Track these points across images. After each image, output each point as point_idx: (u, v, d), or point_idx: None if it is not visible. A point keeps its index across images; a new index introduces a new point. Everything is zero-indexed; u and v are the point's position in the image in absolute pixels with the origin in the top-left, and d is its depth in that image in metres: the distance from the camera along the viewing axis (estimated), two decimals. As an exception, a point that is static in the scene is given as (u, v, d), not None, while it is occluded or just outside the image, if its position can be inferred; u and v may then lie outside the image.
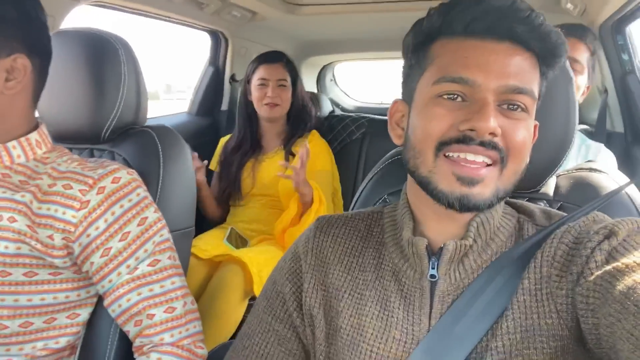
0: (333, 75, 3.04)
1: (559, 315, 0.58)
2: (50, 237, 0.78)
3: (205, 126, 2.23)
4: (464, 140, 0.59)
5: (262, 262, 1.58)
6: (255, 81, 1.87)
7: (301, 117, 1.95)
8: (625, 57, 1.72)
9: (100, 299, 0.86)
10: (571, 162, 1.30)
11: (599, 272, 0.55)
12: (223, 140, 2.02)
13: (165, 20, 1.83)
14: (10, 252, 0.76)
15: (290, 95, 1.90)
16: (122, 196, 0.82)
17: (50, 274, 0.80)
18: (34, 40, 0.80)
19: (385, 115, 0.72)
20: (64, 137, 0.99)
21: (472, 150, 0.59)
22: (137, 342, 0.82)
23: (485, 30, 0.59)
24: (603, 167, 0.84)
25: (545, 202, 0.81)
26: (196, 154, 1.78)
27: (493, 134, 0.58)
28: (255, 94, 1.87)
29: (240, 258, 1.56)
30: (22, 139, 0.82)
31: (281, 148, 1.91)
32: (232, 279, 1.54)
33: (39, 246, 0.77)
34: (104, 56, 0.99)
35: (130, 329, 0.82)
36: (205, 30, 2.13)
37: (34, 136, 0.84)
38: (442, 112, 0.60)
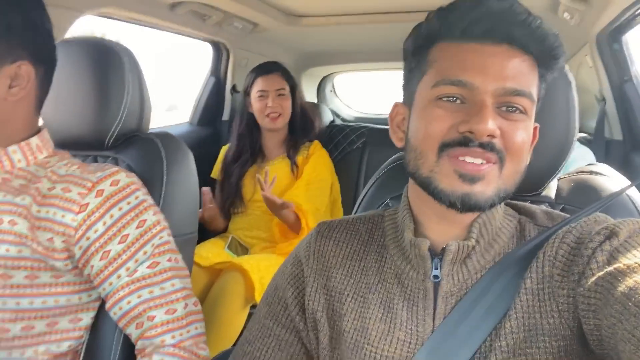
0: (333, 86, 3.06)
1: (561, 315, 0.59)
2: (51, 240, 0.78)
3: (207, 136, 2.24)
4: (464, 142, 0.59)
5: (263, 269, 1.58)
6: (254, 93, 1.89)
7: (303, 125, 1.97)
8: (622, 65, 1.74)
9: (103, 303, 0.86)
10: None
11: (600, 273, 0.55)
12: (224, 149, 2.03)
13: (168, 31, 1.85)
14: (11, 255, 0.76)
15: (291, 103, 1.91)
16: (121, 199, 0.82)
17: (51, 277, 0.80)
18: (39, 48, 0.81)
19: (385, 125, 0.73)
20: (68, 144, 1.00)
21: (472, 153, 0.59)
22: (139, 345, 0.82)
23: (483, 34, 0.60)
24: (604, 170, 0.85)
25: (547, 204, 0.82)
26: (208, 191, 1.80)
27: (491, 135, 0.59)
28: (255, 105, 1.88)
29: (241, 265, 1.56)
30: (23, 144, 0.83)
31: (284, 156, 1.93)
32: (233, 286, 1.54)
33: (40, 249, 0.78)
34: (108, 64, 1.00)
35: (132, 332, 0.82)
36: (207, 41, 2.15)
37: (34, 141, 0.84)
38: (441, 114, 0.61)
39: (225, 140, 2.16)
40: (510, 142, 0.60)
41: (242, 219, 1.90)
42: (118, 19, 1.59)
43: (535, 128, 0.67)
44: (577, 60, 1.94)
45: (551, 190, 0.84)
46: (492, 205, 0.62)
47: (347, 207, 2.06)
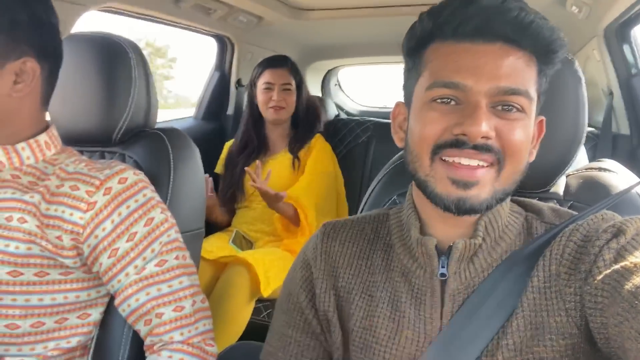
0: (337, 80, 3.06)
1: (568, 314, 0.58)
2: (59, 237, 0.78)
3: (211, 130, 2.24)
4: (457, 144, 0.59)
5: (268, 263, 1.59)
6: (260, 85, 1.89)
7: (307, 120, 1.97)
8: (630, 59, 1.72)
9: (112, 298, 0.86)
10: None
11: (607, 271, 0.55)
12: (228, 145, 2.03)
13: (173, 25, 1.84)
14: (21, 252, 0.77)
15: (295, 98, 1.92)
16: (129, 197, 0.82)
17: (60, 274, 0.80)
18: (44, 44, 0.80)
19: (389, 119, 0.73)
20: (75, 140, 1.00)
21: (466, 154, 0.59)
22: (147, 341, 0.83)
23: (475, 33, 0.59)
24: (613, 166, 0.85)
25: (555, 201, 0.81)
26: (210, 180, 1.80)
27: (486, 137, 0.58)
28: (260, 97, 1.89)
29: (246, 259, 1.57)
30: (31, 141, 0.83)
31: (287, 150, 1.93)
32: (238, 280, 1.54)
33: (49, 247, 0.78)
34: (115, 60, 1.00)
35: (141, 328, 0.83)
36: (212, 36, 2.15)
37: (43, 138, 0.84)
38: (435, 116, 0.60)
39: (230, 135, 2.16)
40: (507, 142, 0.59)
41: (246, 213, 1.91)
42: (123, 13, 1.59)
43: (541, 121, 0.66)
44: (584, 54, 1.92)
45: (559, 186, 0.84)
46: (489, 207, 0.61)
47: (353, 201, 2.06)
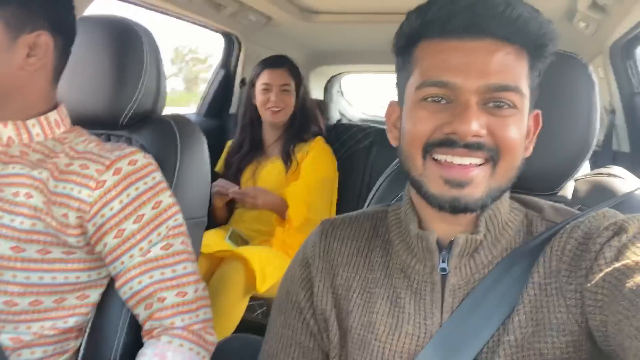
0: (340, 87, 3.07)
1: (569, 310, 0.58)
2: (65, 215, 0.77)
3: (213, 128, 2.24)
4: (447, 143, 0.59)
5: (264, 259, 1.58)
6: (259, 85, 1.89)
7: (305, 123, 1.95)
8: (634, 77, 1.74)
9: (111, 282, 0.85)
10: None
11: (607, 269, 0.55)
12: (229, 144, 2.03)
13: (182, 19, 1.84)
14: (25, 227, 0.76)
15: (294, 100, 1.90)
16: (138, 179, 0.81)
17: (63, 252, 0.79)
18: (59, 18, 0.80)
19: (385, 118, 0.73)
20: (82, 122, 0.99)
21: (457, 153, 0.59)
22: (147, 326, 0.81)
23: (462, 30, 0.59)
24: (621, 173, 0.85)
25: (563, 205, 0.81)
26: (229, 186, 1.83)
27: (477, 135, 0.58)
28: (259, 97, 1.89)
29: (242, 254, 1.56)
30: (42, 118, 0.83)
31: (288, 151, 1.91)
32: (234, 275, 1.53)
33: (54, 224, 0.77)
34: (126, 43, 1.00)
35: (141, 312, 0.81)
36: (220, 33, 2.15)
37: (53, 115, 0.84)
38: (425, 116, 0.60)
39: (231, 133, 2.16)
40: (500, 139, 0.59)
41: (244, 213, 1.90)
42: (133, 2, 1.59)
43: (536, 115, 0.66)
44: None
45: (568, 190, 0.84)
46: (484, 206, 0.61)
47: (351, 207, 2.05)
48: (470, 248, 0.63)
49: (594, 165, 1.84)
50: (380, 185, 0.95)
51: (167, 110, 1.11)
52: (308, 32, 2.18)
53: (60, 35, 0.81)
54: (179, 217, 0.85)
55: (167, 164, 0.98)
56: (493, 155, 0.59)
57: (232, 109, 2.35)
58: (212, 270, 1.62)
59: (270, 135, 1.95)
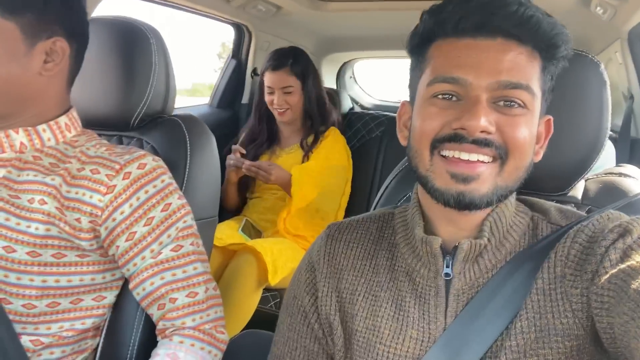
0: (353, 73, 3.04)
1: (575, 315, 0.58)
2: (78, 220, 0.79)
3: (226, 118, 2.25)
4: (455, 138, 0.59)
5: (276, 252, 1.60)
6: (264, 85, 1.89)
7: (318, 115, 1.93)
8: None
9: (126, 282, 0.87)
10: None
11: (613, 271, 0.55)
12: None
13: (191, 12, 1.84)
14: (40, 233, 0.78)
15: (301, 96, 1.87)
16: (148, 182, 0.83)
17: (77, 255, 0.81)
18: (74, 24, 0.82)
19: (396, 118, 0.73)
20: (94, 124, 1.01)
21: (465, 149, 0.59)
22: (160, 325, 0.84)
23: (475, 29, 0.59)
24: (633, 172, 0.84)
25: (573, 205, 0.81)
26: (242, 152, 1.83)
27: (485, 132, 0.58)
28: (265, 97, 1.90)
29: (254, 247, 1.58)
30: (52, 122, 0.84)
31: (298, 145, 1.92)
32: (246, 268, 1.55)
33: (67, 228, 0.79)
34: (135, 44, 1.00)
35: (154, 312, 0.84)
36: (230, 23, 2.14)
37: (63, 120, 0.86)
38: (435, 112, 0.61)
39: (244, 123, 2.17)
40: (509, 138, 0.59)
41: (258, 203, 1.92)
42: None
43: (548, 121, 0.66)
44: (606, 56, 1.89)
45: (578, 190, 0.83)
46: (489, 204, 0.61)
47: (363, 196, 2.05)
48: (474, 253, 0.63)
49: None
50: (388, 185, 0.95)
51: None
52: (317, 20, 2.16)
53: (75, 40, 0.83)
54: (189, 218, 0.87)
55: (178, 164, 0.99)
56: (501, 154, 0.59)
57: (245, 99, 2.35)
58: (226, 263, 1.65)
59: (285, 128, 1.96)
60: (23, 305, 0.79)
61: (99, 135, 0.93)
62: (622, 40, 1.70)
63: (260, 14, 2.00)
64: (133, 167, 0.82)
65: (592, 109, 0.77)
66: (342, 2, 1.94)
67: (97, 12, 1.36)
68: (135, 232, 0.81)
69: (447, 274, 0.64)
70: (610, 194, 0.81)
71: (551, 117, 0.66)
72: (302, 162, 1.87)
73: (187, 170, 1.00)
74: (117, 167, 0.81)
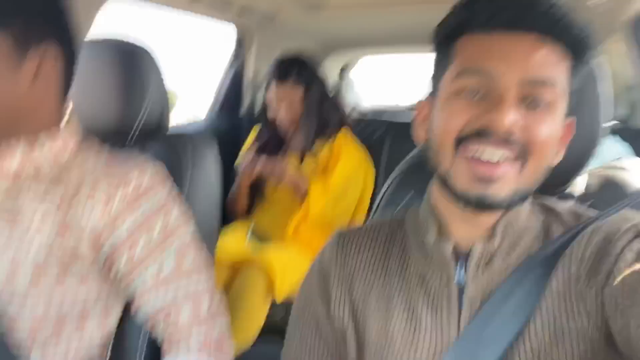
0: (352, 76, 3.04)
1: (589, 317, 0.57)
2: (77, 242, 0.79)
3: (226, 124, 2.25)
4: (480, 134, 0.58)
5: (284, 262, 1.60)
6: (269, 94, 1.89)
7: (323, 119, 1.92)
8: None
9: (130, 301, 0.87)
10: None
11: (628, 272, 0.54)
12: (255, 130, 2.03)
13: (190, 17, 1.84)
14: (41, 257, 0.77)
15: (306, 104, 1.87)
16: (145, 200, 0.81)
17: (79, 276, 0.81)
18: (66, 33, 0.80)
19: (405, 118, 0.72)
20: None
21: (491, 143, 0.58)
22: (165, 342, 0.83)
23: (508, 23, 0.59)
24: (634, 166, 0.83)
25: (574, 200, 0.80)
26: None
27: (509, 130, 0.57)
28: (271, 105, 1.90)
29: (261, 262, 1.58)
30: (49, 138, 0.81)
31: (310, 150, 1.91)
32: (254, 282, 1.56)
33: (67, 251, 0.78)
34: (128, 65, 1.00)
35: (158, 330, 0.84)
36: (229, 28, 2.15)
37: (61, 134, 0.83)
38: (460, 108, 0.60)
39: (245, 129, 2.17)
40: (533, 137, 0.58)
41: (269, 207, 1.92)
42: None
43: (569, 124, 0.65)
44: (605, 47, 1.87)
45: (578, 185, 0.82)
46: (510, 205, 0.60)
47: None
48: (486, 257, 0.63)
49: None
50: (387, 188, 0.95)
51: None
52: (317, 22, 2.15)
53: (66, 49, 0.80)
54: (188, 235, 0.86)
55: (178, 178, 0.99)
56: (523, 153, 0.59)
57: (245, 105, 2.35)
58: (233, 275, 1.65)
59: (294, 135, 1.95)
60: (30, 328, 0.79)
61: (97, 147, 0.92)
62: (626, 28, 1.68)
63: (259, 18, 2.01)
64: (130, 186, 0.80)
65: (586, 102, 0.76)
66: (340, 4, 1.93)
67: (98, 14, 1.35)
68: (134, 253, 0.80)
69: (459, 281, 0.64)
70: (611, 188, 0.80)
71: (573, 120, 0.65)
72: (310, 162, 1.87)
73: (188, 183, 1.00)
74: (116, 182, 0.80)
